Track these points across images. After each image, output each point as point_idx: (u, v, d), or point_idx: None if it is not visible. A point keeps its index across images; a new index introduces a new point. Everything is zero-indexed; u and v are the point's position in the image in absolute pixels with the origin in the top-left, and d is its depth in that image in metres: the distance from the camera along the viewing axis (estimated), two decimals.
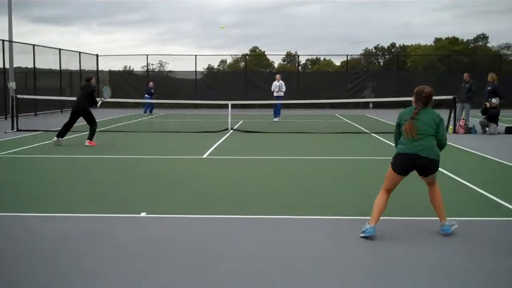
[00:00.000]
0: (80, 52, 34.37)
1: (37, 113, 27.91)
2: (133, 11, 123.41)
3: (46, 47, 30.21)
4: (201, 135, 17.67)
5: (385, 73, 46.48)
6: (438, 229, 6.20)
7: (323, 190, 8.75)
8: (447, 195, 8.48)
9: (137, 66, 40.65)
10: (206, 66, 49.05)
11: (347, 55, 42.55)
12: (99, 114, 14.90)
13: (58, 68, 31.21)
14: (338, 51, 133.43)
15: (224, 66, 72.35)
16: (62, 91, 31.53)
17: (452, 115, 18.52)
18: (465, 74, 19.74)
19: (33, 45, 28.36)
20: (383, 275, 4.95)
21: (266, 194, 8.46)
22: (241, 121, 23.06)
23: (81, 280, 4.79)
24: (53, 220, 6.85)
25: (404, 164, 6.22)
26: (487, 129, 18.22)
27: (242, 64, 51.31)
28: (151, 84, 29.97)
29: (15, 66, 26.76)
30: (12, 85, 25.17)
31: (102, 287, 4.65)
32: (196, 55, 37.82)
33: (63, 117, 25.56)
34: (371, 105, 37.29)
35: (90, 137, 14.60)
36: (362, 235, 6.03)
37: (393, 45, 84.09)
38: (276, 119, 24.18)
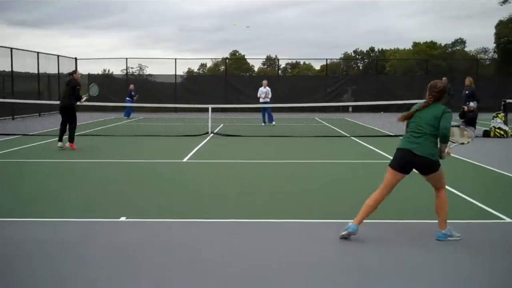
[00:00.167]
0: (58, 56, 34.09)
1: (15, 117, 27.60)
2: (111, 15, 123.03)
3: (24, 50, 29.90)
4: (181, 139, 17.62)
5: (364, 77, 46.82)
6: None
7: (302, 194, 8.77)
8: (425, 197, 8.57)
9: (117, 69, 40.54)
10: (186, 70, 49.06)
11: (326, 59, 42.80)
12: (78, 118, 14.66)
13: (36, 72, 30.91)
14: (317, 55, 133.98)
15: (204, 70, 72.34)
16: (40, 95, 31.23)
17: None
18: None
19: (11, 48, 28.04)
20: (373, 279, 4.98)
21: (245, 197, 8.47)
22: (221, 125, 23.04)
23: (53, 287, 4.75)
24: (29, 225, 6.79)
25: (398, 159, 6.26)
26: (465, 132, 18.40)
27: (222, 68, 51.31)
28: (131, 87, 29.80)
29: None
30: None
31: None
32: (175, 59, 37.76)
33: (41, 121, 25.42)
34: (350, 108, 37.51)
35: (72, 139, 14.22)
36: (343, 233, 6.04)
37: (372, 49, 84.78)
38: (273, 123, 23.96)
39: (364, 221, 6.60)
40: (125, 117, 28.70)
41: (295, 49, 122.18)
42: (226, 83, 38.06)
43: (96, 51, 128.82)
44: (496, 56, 63.30)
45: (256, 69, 72.61)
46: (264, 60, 77.94)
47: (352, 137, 18.21)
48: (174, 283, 4.84)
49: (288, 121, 24.20)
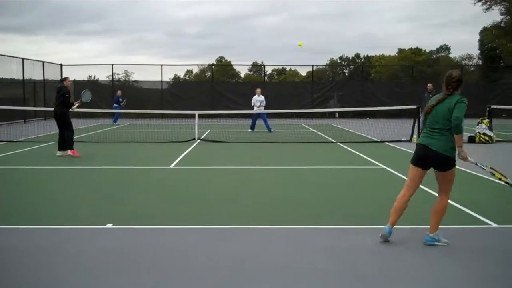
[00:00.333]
0: (43, 62, 33.91)
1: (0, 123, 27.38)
2: (98, 20, 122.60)
3: (8, 56, 29.71)
4: (168, 145, 17.58)
5: (350, 84, 46.99)
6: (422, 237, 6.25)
7: (289, 200, 8.77)
8: (410, 202, 8.61)
9: (102, 75, 40.37)
10: (172, 76, 48.96)
11: (312, 66, 42.96)
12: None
13: (21, 78, 30.71)
14: (303, 61, 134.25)
15: (190, 76, 72.27)
16: (26, 101, 31.03)
17: (416, 124, 18.83)
18: (429, 84, 20.10)
19: None
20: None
21: (232, 204, 8.46)
22: (208, 131, 23.02)
23: None
24: (9, 233, 6.73)
25: (416, 154, 6.25)
26: None
27: (209, 74, 51.26)
28: (119, 93, 29.75)
29: None
30: None
31: None
32: (162, 65, 37.70)
33: (26, 128, 25.25)
34: (337, 114, 37.65)
35: (70, 146, 14.06)
36: (379, 235, 6.13)
37: (357, 55, 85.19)
38: (272, 130, 23.71)
39: (357, 227, 6.64)
40: (114, 123, 28.67)
41: (281, 56, 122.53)
42: (212, 90, 38.03)
43: (83, 57, 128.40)
44: (480, 62, 63.93)
45: (242, 75, 72.69)
46: (251, 66, 78.05)
47: (338, 143, 18.26)
48: None
49: (275, 127, 24.21)
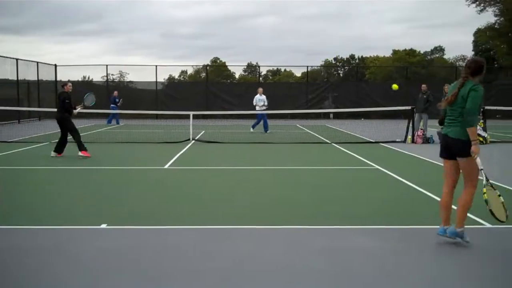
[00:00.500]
0: (38, 62, 33.81)
1: None
2: (93, 21, 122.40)
3: (2, 56, 29.63)
4: (163, 145, 17.56)
5: (345, 84, 47.13)
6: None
7: (284, 200, 8.77)
8: (405, 203, 8.65)
9: (97, 76, 40.32)
10: (167, 77, 48.92)
11: (307, 66, 42.98)
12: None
13: (15, 78, 30.62)
14: (298, 62, 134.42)
15: (185, 77, 72.26)
16: (20, 102, 30.94)
17: (411, 125, 18.88)
18: (423, 85, 20.13)
19: None
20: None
21: (227, 204, 8.45)
22: (203, 132, 23.01)
23: None
24: (5, 233, 6.71)
25: (441, 144, 6.26)
26: None
27: (203, 74, 51.26)
28: (115, 93, 29.82)
29: None
30: None
31: None
32: (156, 66, 37.65)
33: (20, 128, 25.17)
34: (331, 115, 37.70)
35: (80, 147, 13.95)
36: (450, 239, 6.07)
37: (352, 56, 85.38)
38: (269, 131, 23.67)
39: (353, 227, 6.64)
40: (110, 124, 28.84)
41: (276, 56, 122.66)
42: (207, 90, 38.02)
43: (78, 57, 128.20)
44: None
45: (237, 76, 72.78)
46: (245, 67, 78.14)
47: (333, 144, 18.28)
48: None
49: (269, 127, 24.21)
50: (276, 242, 6.32)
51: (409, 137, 18.76)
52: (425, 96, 19.53)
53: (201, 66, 63.79)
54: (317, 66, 76.54)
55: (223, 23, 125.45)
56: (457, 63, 70.63)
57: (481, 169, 5.92)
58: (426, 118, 19.29)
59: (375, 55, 79.84)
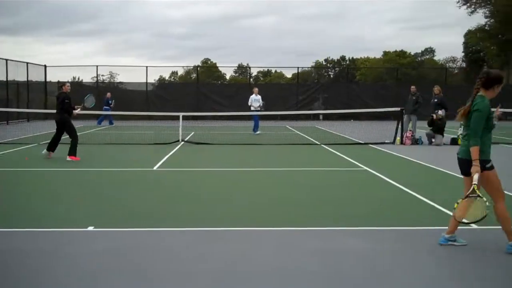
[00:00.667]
0: (27, 63, 33.64)
1: None
2: (86, 22, 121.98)
3: None
4: (152, 147, 17.52)
5: (335, 86, 47.20)
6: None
7: (274, 202, 8.76)
8: (394, 204, 8.67)
9: (87, 77, 40.14)
10: (157, 78, 48.81)
11: (298, 68, 43.05)
12: (51, 127, 14.39)
13: (5, 79, 30.45)
14: (289, 63, 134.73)
15: (175, 78, 72.15)
16: (9, 103, 30.77)
17: (400, 126, 18.95)
18: (412, 87, 20.21)
19: None
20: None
21: (216, 206, 8.43)
22: (192, 133, 22.97)
23: None
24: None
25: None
26: (433, 140, 18.66)
27: (194, 75, 51.19)
28: (108, 95, 29.90)
29: None
30: None
31: None
32: (147, 67, 37.63)
33: (10, 129, 25.04)
34: (321, 116, 37.75)
35: (71, 151, 13.73)
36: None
37: (343, 58, 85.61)
38: (258, 132, 23.67)
39: (341, 228, 6.65)
40: (110, 125, 29.17)
41: (266, 58, 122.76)
42: (197, 91, 37.97)
43: (69, 58, 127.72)
44: (464, 65, 64.51)
45: (228, 77, 72.78)
46: (236, 68, 78.14)
47: (322, 145, 18.31)
48: None
49: (260, 129, 24.21)
50: (268, 243, 6.32)
51: (398, 138, 18.82)
52: (414, 98, 19.59)
53: (191, 67, 63.75)
54: (308, 67, 76.70)
55: (215, 24, 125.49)
56: (447, 64, 71.02)
57: (475, 183, 5.84)
58: (415, 120, 19.36)
59: (365, 56, 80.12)
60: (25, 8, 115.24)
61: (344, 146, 17.93)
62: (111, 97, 29.81)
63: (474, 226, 6.94)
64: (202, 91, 38.23)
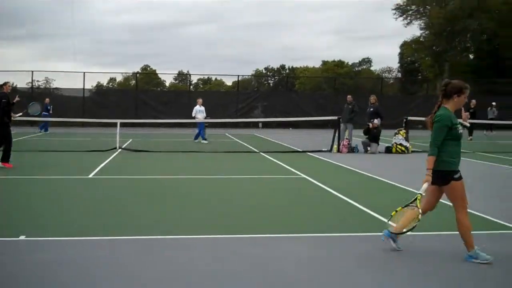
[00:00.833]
0: None
1: None
2: (19, 26, 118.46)
3: None
4: (88, 154, 17.16)
5: (275, 94, 47.61)
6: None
7: (210, 209, 8.74)
8: (330, 211, 8.80)
9: (21, 82, 38.91)
10: (95, 84, 47.93)
11: (238, 76, 43.25)
12: None
13: None
14: (229, 71, 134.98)
15: (113, 84, 71.06)
16: None
17: (337, 135, 19.27)
18: (349, 96, 20.61)
19: None
20: None
21: (152, 214, 8.34)
22: (130, 140, 22.63)
23: None
24: None
25: None
26: (368, 148, 19.05)
27: (133, 82, 50.56)
28: (47, 100, 29.11)
29: None
30: None
31: None
32: (84, 72, 36.88)
33: None
34: (260, 124, 37.97)
35: (4, 158, 13.03)
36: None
37: (282, 67, 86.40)
38: (206, 141, 23.19)
39: (281, 235, 6.66)
40: (43, 132, 28.21)
41: (207, 65, 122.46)
42: (136, 98, 37.50)
43: (3, 62, 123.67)
44: (399, 75, 66.33)
45: (167, 84, 72.18)
46: (176, 75, 77.70)
47: (261, 153, 18.41)
48: None
49: (198, 137, 24.10)
50: (204, 251, 6.27)
51: (335, 146, 19.13)
52: (350, 107, 19.98)
53: (130, 74, 62.92)
54: (248, 75, 77.06)
55: (155, 31, 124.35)
56: (383, 74, 72.82)
57: (420, 193, 5.95)
58: (351, 128, 19.74)
59: (305, 65, 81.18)
60: None
61: (282, 154, 18.09)
62: (50, 103, 29.04)
63: (409, 232, 7.13)
64: (141, 98, 37.78)
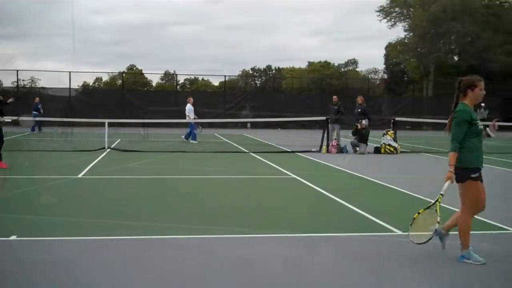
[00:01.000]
0: None
1: None
2: (5, 25, 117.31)
3: None
4: (76, 154, 17.06)
5: (262, 94, 47.64)
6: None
7: (201, 209, 8.75)
8: (320, 211, 8.84)
9: (7, 81, 38.66)
10: (81, 83, 47.67)
11: (225, 76, 43.26)
12: None
13: None
14: (216, 71, 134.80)
15: (100, 84, 70.67)
16: None
17: (326, 135, 19.34)
18: (334, 97, 20.73)
19: None
20: None
21: (144, 214, 8.32)
22: (119, 140, 22.52)
23: None
24: None
25: None
26: (357, 148, 19.14)
27: (119, 82, 50.34)
28: (37, 100, 28.94)
29: None
30: None
31: None
32: (70, 72, 36.68)
33: None
34: (249, 125, 37.98)
35: None
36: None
37: (269, 67, 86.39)
38: (195, 141, 23.09)
39: (271, 235, 6.68)
40: (33, 132, 27.92)
41: (193, 65, 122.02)
42: (123, 98, 37.34)
43: None
44: (385, 76, 66.64)
45: (154, 84, 71.86)
46: (163, 75, 77.42)
47: (251, 153, 18.42)
48: None
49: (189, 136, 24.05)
50: (193, 252, 6.28)
51: (324, 146, 19.19)
52: (336, 107, 20.09)
53: (117, 73, 62.58)
54: (235, 75, 76.98)
55: (141, 31, 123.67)
56: (369, 75, 73.14)
57: (441, 193, 5.86)
58: (338, 129, 19.84)
59: (291, 66, 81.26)
60: None
61: (272, 154, 18.12)
62: (39, 102, 28.88)
63: (399, 232, 7.19)
64: (127, 97, 37.63)
